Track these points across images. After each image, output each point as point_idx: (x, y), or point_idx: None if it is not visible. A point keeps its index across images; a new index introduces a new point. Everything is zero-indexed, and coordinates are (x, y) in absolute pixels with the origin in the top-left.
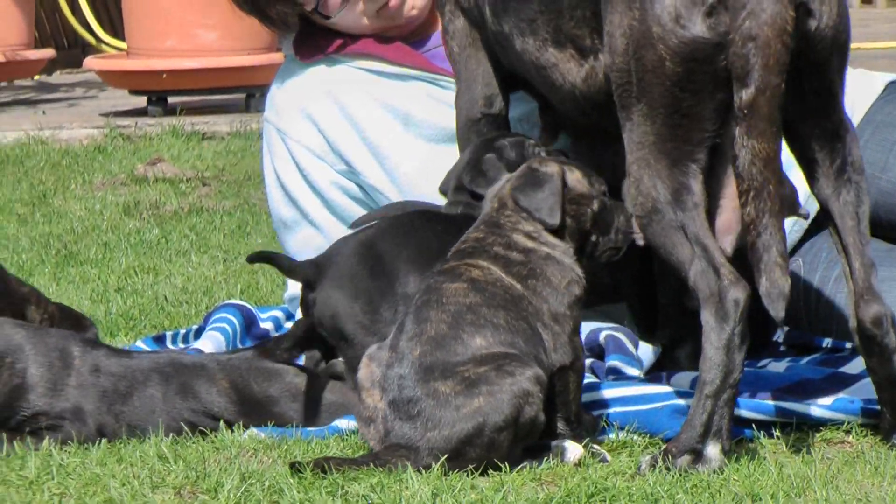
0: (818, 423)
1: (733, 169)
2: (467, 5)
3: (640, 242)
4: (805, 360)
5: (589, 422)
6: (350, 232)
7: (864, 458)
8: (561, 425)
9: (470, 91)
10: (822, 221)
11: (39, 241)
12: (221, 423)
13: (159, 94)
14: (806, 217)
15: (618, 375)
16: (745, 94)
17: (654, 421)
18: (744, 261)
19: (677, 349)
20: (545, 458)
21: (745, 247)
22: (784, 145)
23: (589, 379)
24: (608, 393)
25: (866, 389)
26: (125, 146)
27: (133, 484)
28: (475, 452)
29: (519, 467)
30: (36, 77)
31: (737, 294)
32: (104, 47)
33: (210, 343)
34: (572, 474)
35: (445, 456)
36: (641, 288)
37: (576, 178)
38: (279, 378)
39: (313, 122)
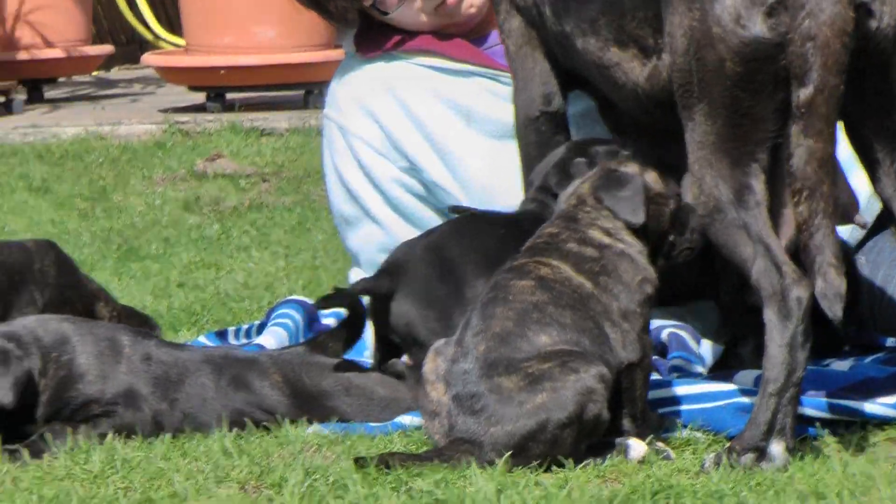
0: (883, 422)
1: (787, 168)
2: (523, 4)
3: None
4: (869, 359)
5: (654, 419)
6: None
7: None
8: (626, 423)
9: (528, 89)
10: (885, 220)
11: (100, 237)
12: (286, 420)
13: (218, 90)
14: (864, 226)
15: (681, 373)
16: (802, 94)
17: (717, 419)
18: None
19: (740, 346)
20: (609, 456)
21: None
22: (847, 146)
23: (652, 377)
24: (672, 391)
25: None
26: (184, 142)
27: (197, 478)
28: (539, 449)
29: (583, 464)
30: (94, 73)
31: (800, 292)
32: (162, 43)
33: (272, 338)
34: (636, 471)
35: (509, 452)
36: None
37: (653, 178)
38: (331, 372)
39: (374, 118)
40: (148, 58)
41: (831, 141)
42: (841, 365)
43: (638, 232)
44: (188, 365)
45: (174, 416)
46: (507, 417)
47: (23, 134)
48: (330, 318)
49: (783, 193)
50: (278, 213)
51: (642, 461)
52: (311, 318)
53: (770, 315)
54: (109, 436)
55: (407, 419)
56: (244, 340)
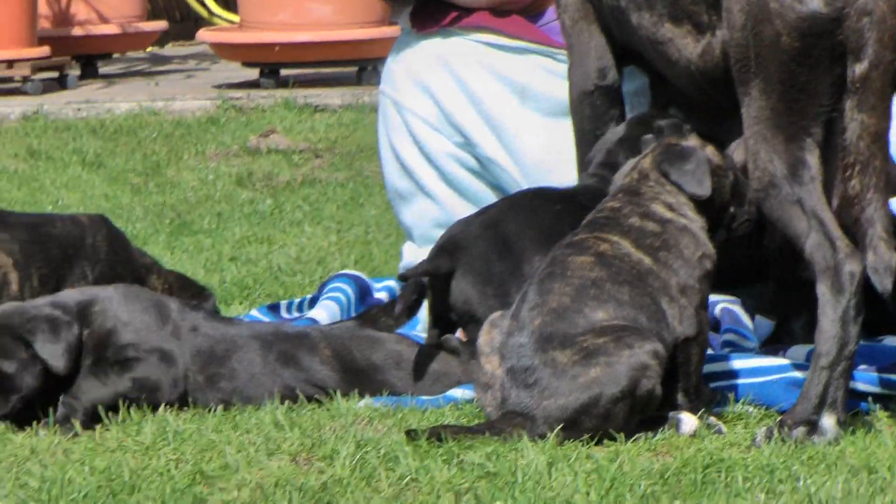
0: None
1: (840, 142)
2: None
3: None
4: None
5: (706, 394)
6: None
7: None
8: (679, 397)
9: (583, 64)
10: None
11: (153, 211)
12: (338, 393)
13: (272, 66)
14: None
15: (733, 348)
16: (858, 69)
17: (769, 393)
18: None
19: (793, 321)
20: (661, 430)
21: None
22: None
23: None
24: (724, 365)
25: None
26: (237, 118)
27: (248, 450)
28: (591, 422)
29: (634, 438)
30: (148, 49)
31: (852, 267)
32: (216, 20)
33: (324, 312)
34: (688, 445)
35: (561, 425)
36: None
37: (712, 151)
38: (381, 346)
39: (430, 94)
40: (202, 34)
41: (885, 116)
42: (893, 340)
43: (700, 206)
44: (236, 340)
45: (212, 392)
46: (560, 391)
47: (76, 109)
48: (382, 292)
49: (835, 168)
50: (331, 189)
51: (694, 435)
52: (363, 293)
53: (823, 289)
54: (161, 408)
55: (458, 392)
56: (296, 314)
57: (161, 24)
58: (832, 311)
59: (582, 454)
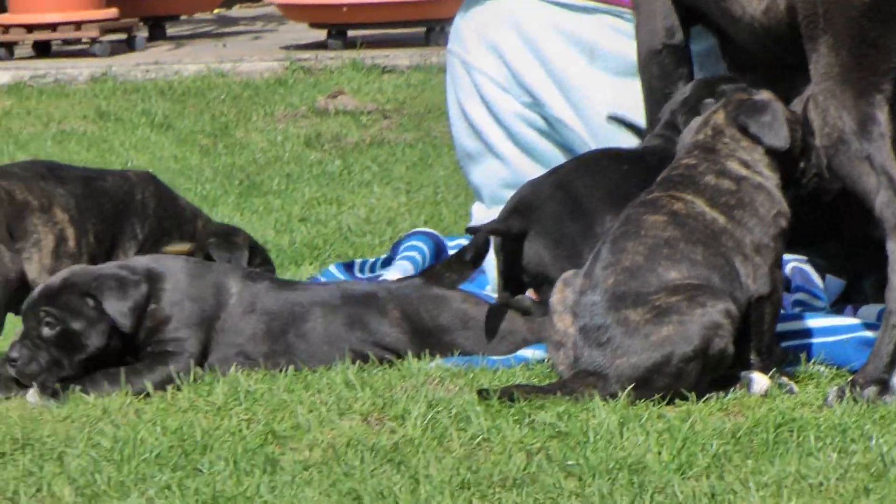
0: None
1: None
2: None
3: None
4: None
5: (778, 353)
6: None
7: None
8: (752, 356)
9: (649, 23)
10: None
11: (222, 172)
12: (408, 353)
13: (339, 27)
14: None
15: (804, 307)
16: None
17: (840, 353)
18: None
19: (863, 281)
20: (732, 389)
21: None
22: None
23: None
24: (796, 325)
25: None
26: (305, 79)
27: (320, 410)
28: (663, 381)
29: (706, 397)
30: (215, 10)
31: None
32: None
33: (399, 272)
34: (759, 405)
35: (633, 384)
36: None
37: (783, 104)
38: (448, 305)
39: (498, 53)
40: None
41: None
42: None
43: (775, 162)
44: (295, 311)
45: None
46: (632, 349)
47: (145, 71)
48: (455, 250)
49: None
50: (399, 150)
51: (765, 395)
52: (438, 251)
53: (893, 247)
54: (232, 368)
55: (529, 352)
56: (369, 274)
57: None
58: None
59: (654, 414)
